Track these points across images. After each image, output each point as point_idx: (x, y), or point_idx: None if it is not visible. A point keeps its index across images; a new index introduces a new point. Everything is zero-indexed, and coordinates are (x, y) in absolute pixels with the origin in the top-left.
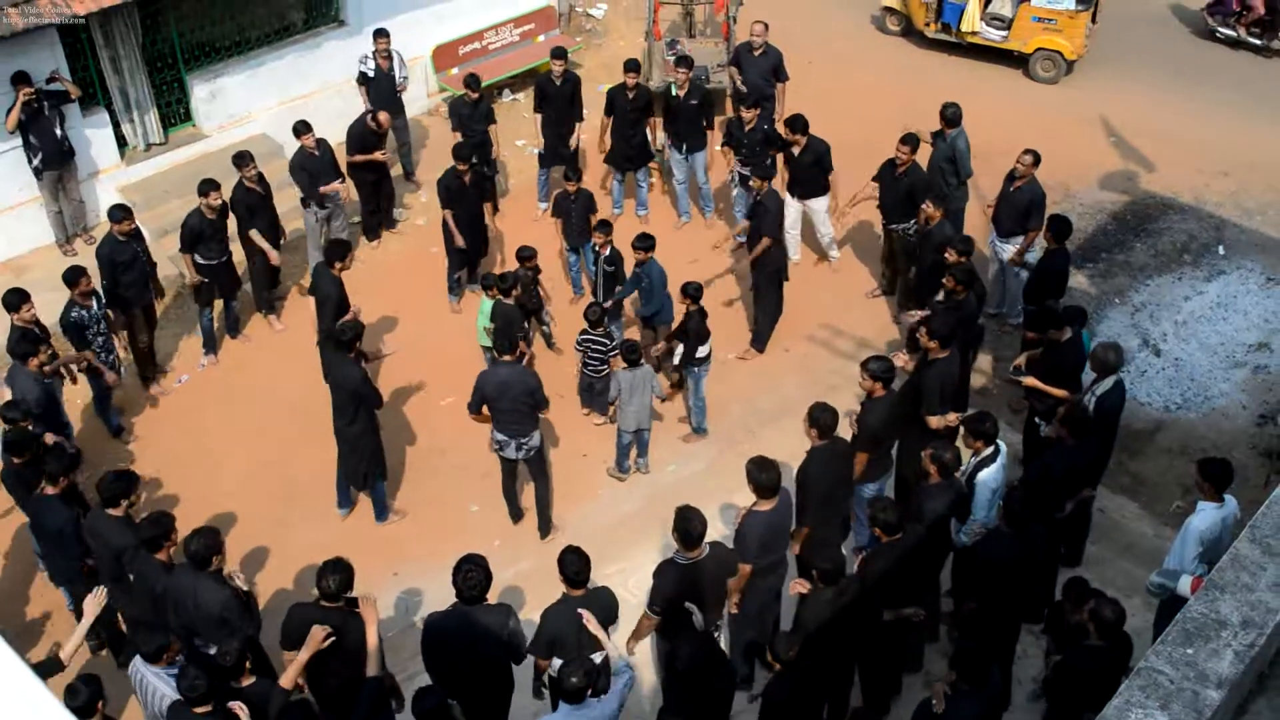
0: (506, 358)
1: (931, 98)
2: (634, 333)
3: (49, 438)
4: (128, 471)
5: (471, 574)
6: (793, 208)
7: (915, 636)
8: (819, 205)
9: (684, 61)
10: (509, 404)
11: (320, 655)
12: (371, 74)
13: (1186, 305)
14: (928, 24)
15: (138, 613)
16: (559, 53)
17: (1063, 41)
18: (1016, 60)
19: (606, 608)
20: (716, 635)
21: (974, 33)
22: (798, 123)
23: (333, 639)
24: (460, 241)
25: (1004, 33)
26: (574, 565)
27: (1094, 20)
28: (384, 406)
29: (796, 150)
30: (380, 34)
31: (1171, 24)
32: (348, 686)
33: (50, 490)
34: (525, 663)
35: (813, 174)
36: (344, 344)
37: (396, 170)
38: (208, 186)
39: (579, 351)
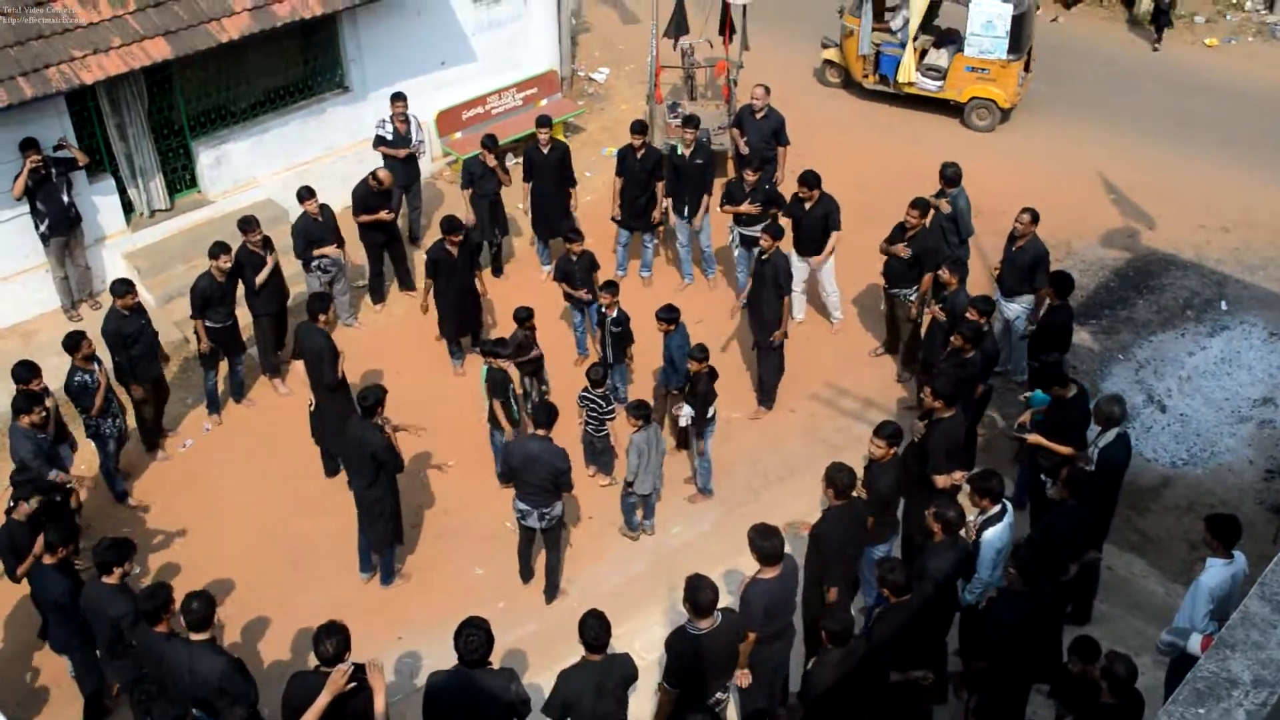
0: (540, 431)
1: (906, 155)
2: (640, 389)
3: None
4: (123, 539)
5: (473, 637)
6: (799, 267)
7: (924, 698)
8: (822, 264)
9: (690, 121)
10: (534, 479)
11: None
12: (390, 137)
13: (1190, 361)
14: (866, 76)
15: (137, 682)
16: (543, 121)
17: (996, 90)
18: (953, 109)
19: (625, 676)
20: (725, 699)
21: (910, 84)
22: (811, 179)
23: (354, 684)
24: (434, 313)
25: (939, 83)
26: (593, 630)
27: (1027, 69)
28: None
29: (809, 205)
30: (397, 98)
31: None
32: None
33: (48, 560)
34: None
35: (820, 233)
36: (367, 409)
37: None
38: (219, 249)
39: (581, 407)
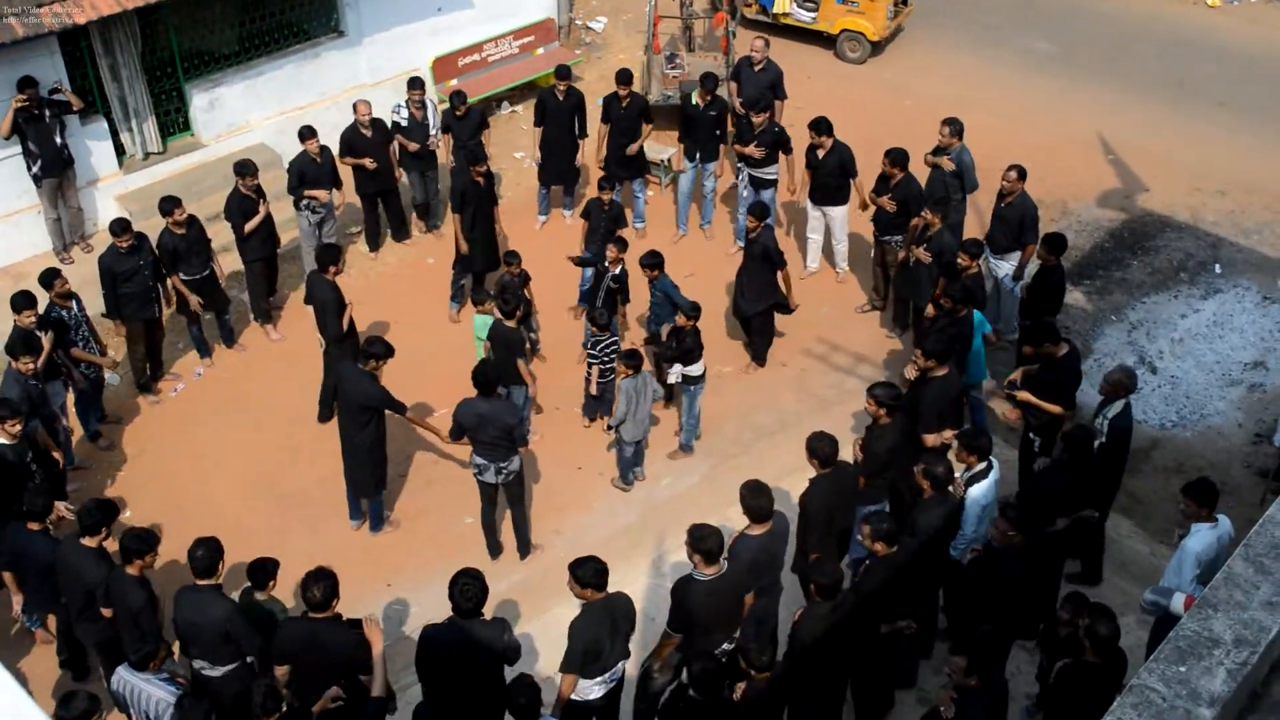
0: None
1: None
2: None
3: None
4: (108, 501)
5: (468, 587)
6: (813, 215)
7: (909, 651)
8: (838, 214)
9: (709, 79)
10: (487, 437)
11: (311, 667)
12: (405, 123)
13: (1183, 323)
14: (748, 5)
15: (107, 642)
16: (563, 73)
17: (865, 23)
18: (827, 41)
19: (629, 612)
20: (730, 650)
21: (786, 14)
22: (822, 124)
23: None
24: (464, 248)
25: (813, 14)
26: (592, 572)
27: (905, 3)
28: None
29: (822, 153)
30: (414, 84)
31: None
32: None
33: (34, 526)
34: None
35: (836, 181)
36: (364, 357)
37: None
38: (170, 204)
39: (593, 363)
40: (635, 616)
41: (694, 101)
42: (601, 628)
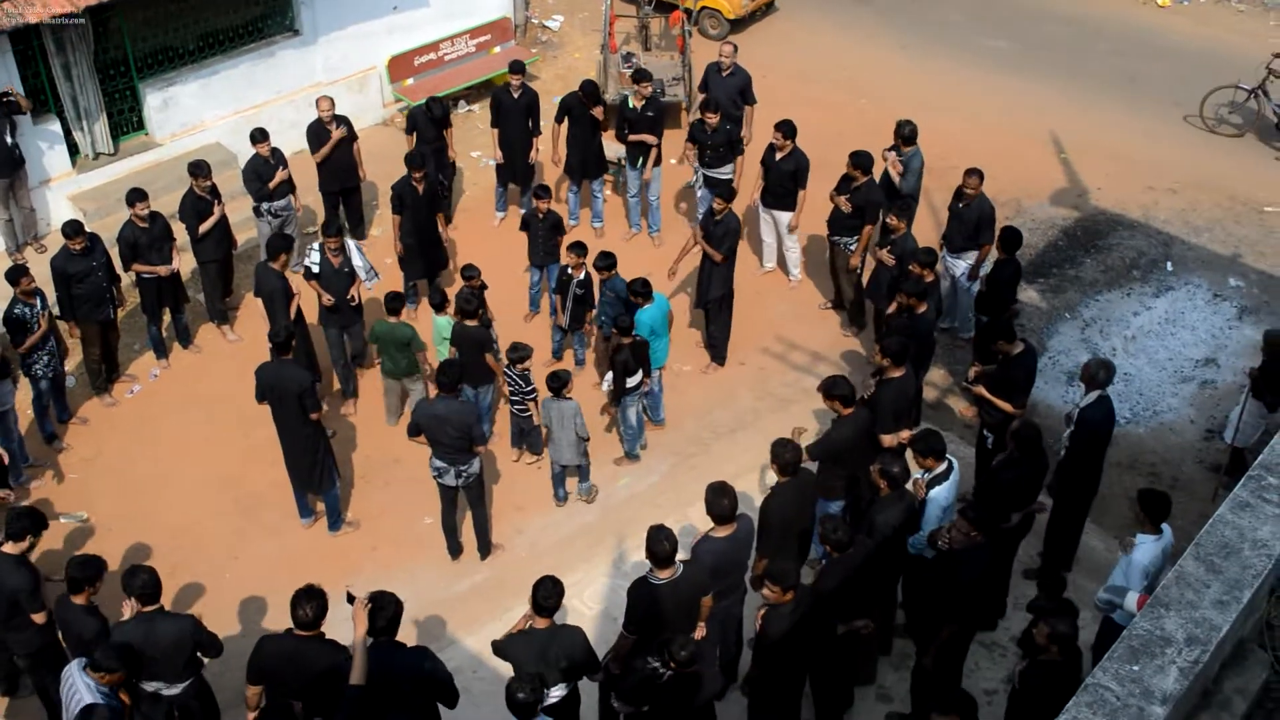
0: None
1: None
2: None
3: None
4: (34, 510)
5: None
6: (764, 218)
7: (867, 649)
8: (787, 219)
9: (642, 74)
10: (445, 438)
11: (290, 683)
12: (317, 269)
13: (1135, 320)
14: None
15: (40, 650)
16: (517, 67)
17: (722, 1)
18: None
19: (571, 656)
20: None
21: None
22: (787, 127)
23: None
24: (398, 249)
25: None
26: (543, 591)
27: None
28: (339, 417)
29: (780, 155)
30: (328, 229)
31: None
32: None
33: None
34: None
35: (787, 186)
36: (281, 346)
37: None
38: (135, 197)
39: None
40: (584, 663)
41: (630, 104)
42: (528, 652)
